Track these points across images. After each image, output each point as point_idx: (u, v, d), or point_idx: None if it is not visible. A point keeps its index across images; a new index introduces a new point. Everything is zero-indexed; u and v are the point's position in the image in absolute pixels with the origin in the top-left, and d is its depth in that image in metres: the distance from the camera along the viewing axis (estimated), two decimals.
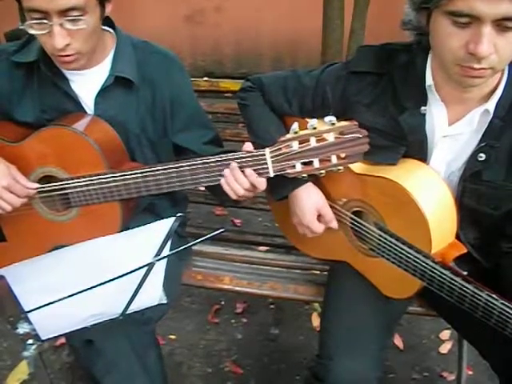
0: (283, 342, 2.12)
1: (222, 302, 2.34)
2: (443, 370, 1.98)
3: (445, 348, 2.07)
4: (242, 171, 1.14)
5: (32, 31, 1.16)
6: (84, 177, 1.25)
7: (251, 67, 4.71)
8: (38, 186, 1.29)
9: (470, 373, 1.91)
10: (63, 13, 1.13)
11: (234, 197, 1.19)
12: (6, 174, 1.23)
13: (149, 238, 0.94)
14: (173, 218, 0.92)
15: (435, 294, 1.16)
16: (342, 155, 1.07)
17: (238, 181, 1.15)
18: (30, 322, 0.95)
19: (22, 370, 1.93)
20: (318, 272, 1.66)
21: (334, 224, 1.30)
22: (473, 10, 0.95)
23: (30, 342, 0.97)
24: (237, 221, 2.84)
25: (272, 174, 1.13)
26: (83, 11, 1.15)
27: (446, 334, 2.12)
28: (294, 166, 1.10)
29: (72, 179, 1.26)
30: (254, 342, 2.13)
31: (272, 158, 1.11)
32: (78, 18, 1.15)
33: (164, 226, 0.92)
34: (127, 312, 1.07)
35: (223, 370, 2.01)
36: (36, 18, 1.14)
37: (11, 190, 1.24)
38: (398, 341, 2.08)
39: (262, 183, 1.15)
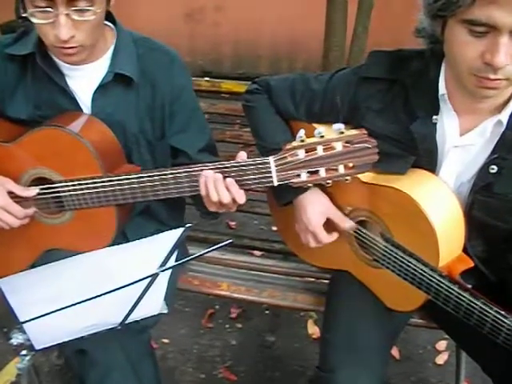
0: (278, 349, 2.09)
1: (217, 307, 2.30)
2: (439, 381, 1.96)
3: (441, 359, 2.05)
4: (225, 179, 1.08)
5: (34, 20, 1.11)
6: (78, 180, 1.19)
7: (250, 67, 4.67)
8: (37, 191, 1.23)
9: None
10: (71, 2, 1.08)
11: (212, 209, 1.14)
12: (1, 192, 1.18)
13: (155, 249, 0.90)
14: (181, 229, 0.88)
15: (437, 307, 1.13)
16: (350, 165, 1.02)
17: (219, 193, 1.09)
18: (24, 333, 0.91)
19: (10, 372, 1.88)
20: (317, 280, 1.63)
21: (348, 224, 1.26)
22: (490, 19, 0.92)
23: (24, 352, 0.93)
24: (232, 223, 2.81)
25: (276, 183, 1.07)
26: (91, 1, 1.10)
27: (442, 345, 2.10)
28: (299, 176, 1.04)
29: (66, 182, 1.21)
30: (249, 348, 2.10)
31: (276, 166, 1.05)
32: (86, 8, 1.10)
33: (172, 236, 0.88)
34: (126, 322, 1.03)
35: (216, 376, 1.97)
36: (40, 7, 1.08)
37: (8, 210, 1.18)
38: (394, 351, 2.05)
39: (241, 196, 1.09)
